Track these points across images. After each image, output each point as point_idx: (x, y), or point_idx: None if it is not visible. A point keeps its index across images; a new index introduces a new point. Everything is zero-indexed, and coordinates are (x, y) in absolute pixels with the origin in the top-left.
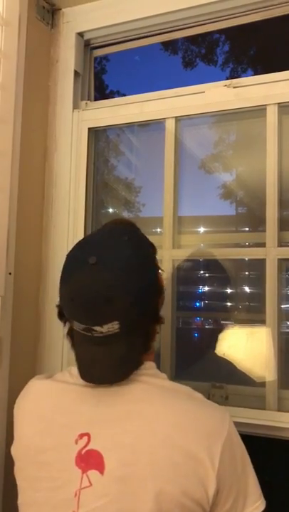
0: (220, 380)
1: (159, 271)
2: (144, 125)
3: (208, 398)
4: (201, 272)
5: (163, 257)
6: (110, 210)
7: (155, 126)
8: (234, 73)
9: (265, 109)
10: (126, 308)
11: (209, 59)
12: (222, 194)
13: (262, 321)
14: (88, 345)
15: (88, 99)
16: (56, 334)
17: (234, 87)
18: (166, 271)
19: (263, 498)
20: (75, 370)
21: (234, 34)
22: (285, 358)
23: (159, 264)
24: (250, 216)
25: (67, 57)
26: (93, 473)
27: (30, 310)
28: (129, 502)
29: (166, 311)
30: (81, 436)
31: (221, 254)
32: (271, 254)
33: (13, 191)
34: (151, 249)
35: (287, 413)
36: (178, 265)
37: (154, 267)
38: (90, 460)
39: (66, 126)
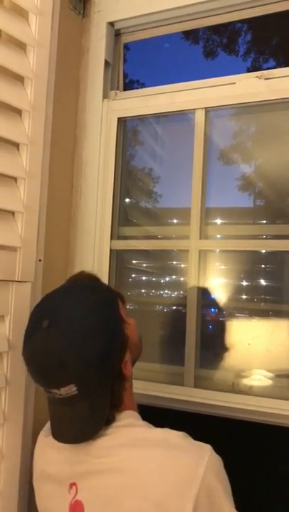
0: (244, 370)
1: (126, 324)
2: (171, 115)
3: (232, 387)
4: (226, 263)
5: (190, 248)
6: (137, 201)
7: (182, 117)
8: (256, 63)
9: None
10: (80, 372)
11: (231, 49)
12: (247, 186)
13: (287, 313)
14: (55, 405)
15: (117, 89)
16: None
17: (265, 79)
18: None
19: None
20: None
21: (257, 23)
22: None
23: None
24: (274, 208)
25: (98, 47)
26: None
27: None
28: None
29: (192, 302)
30: (71, 485)
31: (247, 245)
32: None
33: (43, 180)
34: (112, 303)
35: None
36: (204, 256)
37: (114, 324)
38: (76, 511)
39: (96, 115)
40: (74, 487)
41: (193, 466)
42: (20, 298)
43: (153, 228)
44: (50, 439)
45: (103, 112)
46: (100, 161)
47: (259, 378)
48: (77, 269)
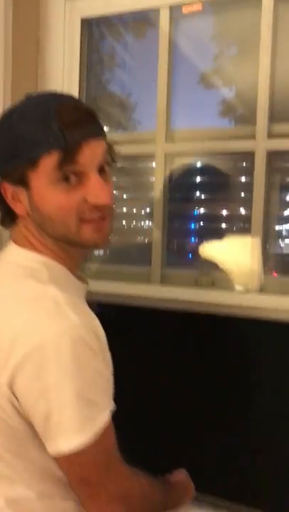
0: (207, 267)
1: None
2: (138, 20)
3: (196, 284)
4: (193, 172)
5: (156, 151)
6: (103, 109)
7: (148, 19)
8: None
9: None
10: None
11: None
12: (210, 84)
13: (248, 220)
14: None
15: None
16: None
17: None
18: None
19: (83, 434)
20: None
21: None
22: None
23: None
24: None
25: None
26: None
27: None
28: None
29: (158, 204)
30: None
31: (211, 147)
32: (260, 146)
33: (6, 87)
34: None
35: (270, 295)
36: (170, 162)
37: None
38: None
39: (58, 16)
40: None
41: (45, 331)
42: None
43: (119, 136)
44: None
45: (66, 12)
46: (65, 64)
47: (221, 274)
48: None
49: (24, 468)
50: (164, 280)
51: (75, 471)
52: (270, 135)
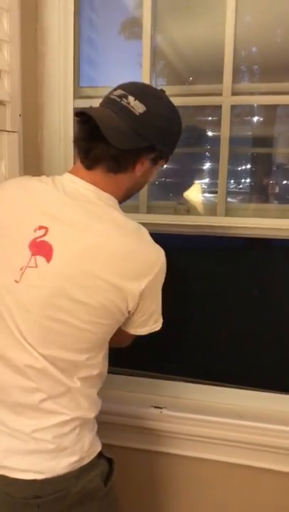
0: (183, 198)
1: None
2: None
3: (174, 212)
4: None
5: None
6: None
7: None
8: None
9: None
10: (156, 115)
11: None
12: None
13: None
14: (102, 108)
15: None
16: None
17: None
18: None
19: (160, 320)
20: (58, 180)
21: None
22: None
23: None
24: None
25: None
26: (41, 259)
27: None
28: (60, 290)
29: None
30: (40, 228)
31: (187, 101)
32: (226, 101)
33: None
34: None
35: (233, 218)
36: None
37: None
38: (41, 247)
39: None
40: (43, 229)
41: (153, 262)
42: (12, 145)
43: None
44: (38, 183)
45: None
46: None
47: (194, 204)
48: (47, 124)
49: (95, 355)
50: (150, 209)
51: (128, 339)
52: (233, 93)
